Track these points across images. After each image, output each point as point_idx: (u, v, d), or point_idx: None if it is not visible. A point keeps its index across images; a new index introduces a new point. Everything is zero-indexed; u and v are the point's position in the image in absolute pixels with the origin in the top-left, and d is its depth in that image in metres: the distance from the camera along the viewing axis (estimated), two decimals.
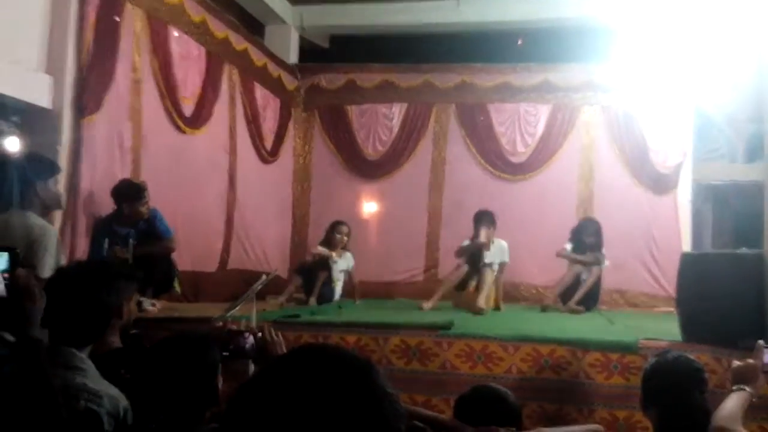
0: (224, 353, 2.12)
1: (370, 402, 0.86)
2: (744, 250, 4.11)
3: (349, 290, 6.45)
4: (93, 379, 1.87)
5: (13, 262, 1.71)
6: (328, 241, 6.35)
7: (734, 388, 2.41)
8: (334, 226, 6.47)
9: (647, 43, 7.17)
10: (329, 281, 6.24)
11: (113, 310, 2.06)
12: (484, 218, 6.11)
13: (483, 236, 5.98)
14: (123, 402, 1.89)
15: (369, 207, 8.23)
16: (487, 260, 6.02)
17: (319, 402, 0.84)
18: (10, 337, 1.81)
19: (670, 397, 2.48)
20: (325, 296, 6.18)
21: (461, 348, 3.96)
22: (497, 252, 6.16)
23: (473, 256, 6.05)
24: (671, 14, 7.12)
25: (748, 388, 2.38)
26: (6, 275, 1.69)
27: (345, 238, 6.34)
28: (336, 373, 0.87)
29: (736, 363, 2.48)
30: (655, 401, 2.53)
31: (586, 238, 6.43)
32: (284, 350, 2.17)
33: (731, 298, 3.78)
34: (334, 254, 6.21)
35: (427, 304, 5.78)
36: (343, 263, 6.31)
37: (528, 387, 3.82)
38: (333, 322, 4.43)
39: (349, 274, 6.40)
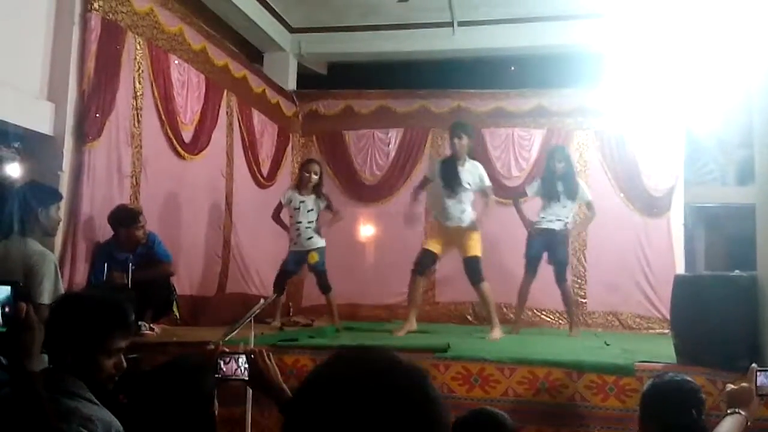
0: (216, 375, 2.14)
1: (428, 403, 0.93)
2: (737, 272, 4.14)
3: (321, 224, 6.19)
4: (86, 403, 1.88)
5: (15, 295, 1.72)
6: (299, 181, 6.22)
7: (729, 411, 2.43)
8: (304, 165, 6.38)
9: (638, 69, 7.28)
10: (297, 224, 6.10)
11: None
12: (458, 128, 5.72)
13: (457, 146, 5.61)
14: (116, 425, 1.90)
15: (366, 230, 8.28)
16: (463, 177, 5.59)
17: (381, 402, 0.89)
18: (3, 360, 1.82)
19: (667, 418, 2.50)
20: (295, 241, 6.11)
21: (458, 371, 3.99)
22: (473, 171, 5.70)
23: (447, 172, 5.64)
24: (662, 40, 7.24)
25: (743, 412, 2.39)
26: (8, 308, 1.70)
27: (315, 176, 6.11)
28: (397, 376, 0.94)
29: (730, 386, 2.51)
30: (653, 423, 2.55)
31: (557, 164, 6.00)
32: (278, 374, 2.18)
33: (725, 321, 3.82)
34: (304, 197, 6.09)
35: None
36: (311, 203, 6.11)
37: (525, 410, 3.83)
38: (331, 346, 4.45)
39: (320, 213, 6.15)
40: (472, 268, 5.65)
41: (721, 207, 8.42)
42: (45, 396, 1.67)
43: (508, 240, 7.23)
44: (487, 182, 5.80)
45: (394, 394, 0.91)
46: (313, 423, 0.92)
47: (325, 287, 6.20)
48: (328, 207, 6.20)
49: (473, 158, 5.88)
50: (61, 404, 1.80)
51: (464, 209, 5.67)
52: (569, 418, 3.83)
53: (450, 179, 5.64)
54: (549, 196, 6.05)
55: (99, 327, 1.92)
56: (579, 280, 7.72)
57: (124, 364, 1.98)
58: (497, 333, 5.53)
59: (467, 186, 5.66)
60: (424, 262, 5.75)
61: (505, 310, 7.64)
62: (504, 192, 7.72)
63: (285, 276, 6.24)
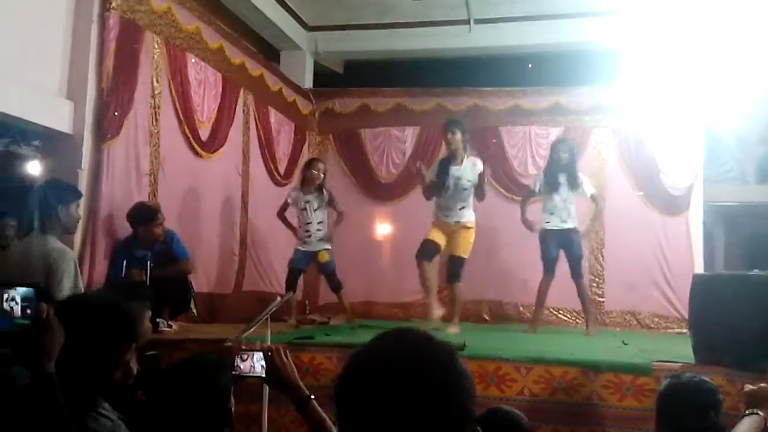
0: (234, 372, 2.15)
1: (456, 374, 1.10)
2: (756, 271, 4.09)
3: (331, 232, 6.27)
4: (99, 418, 1.85)
5: (37, 296, 1.74)
6: (304, 180, 6.30)
7: (747, 412, 2.41)
8: (309, 163, 6.44)
9: (657, 66, 7.22)
10: (307, 225, 6.18)
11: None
12: (451, 124, 5.80)
13: (451, 141, 5.71)
14: None
15: (383, 229, 8.30)
16: (456, 174, 5.66)
17: (417, 373, 1.06)
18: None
19: (685, 418, 2.49)
20: (305, 240, 6.18)
21: (474, 369, 3.96)
22: (472, 169, 5.69)
23: (441, 169, 5.72)
24: (680, 37, 7.18)
25: (761, 412, 2.38)
26: (29, 310, 1.71)
27: (321, 175, 6.21)
28: (430, 350, 1.12)
29: (748, 387, 2.49)
30: (671, 423, 2.54)
31: (562, 155, 6.03)
32: (295, 371, 2.19)
33: (744, 320, 3.77)
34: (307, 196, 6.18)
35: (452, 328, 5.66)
36: (316, 202, 6.18)
37: (541, 409, 3.82)
38: (347, 343, 4.46)
39: (327, 213, 6.26)
40: (455, 267, 5.76)
41: (740, 205, 8.34)
42: (66, 407, 1.67)
43: (518, 239, 7.23)
44: (476, 178, 5.74)
45: (428, 366, 1.08)
46: (362, 391, 1.08)
47: (336, 286, 6.27)
48: (331, 203, 6.25)
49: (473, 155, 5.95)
50: (77, 419, 1.79)
51: (462, 207, 5.74)
52: (586, 417, 3.81)
53: (443, 177, 5.72)
54: (550, 187, 6.06)
55: (107, 344, 1.84)
56: (597, 279, 7.68)
57: (134, 369, 1.94)
58: (456, 328, 5.60)
59: (467, 183, 5.68)
60: (425, 249, 5.77)
61: (522, 309, 7.67)
62: (520, 190, 7.69)
63: (296, 274, 6.30)
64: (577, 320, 7.36)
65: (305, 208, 6.20)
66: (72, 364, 1.77)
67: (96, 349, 1.83)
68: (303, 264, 6.30)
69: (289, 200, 6.29)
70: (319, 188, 6.24)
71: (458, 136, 5.72)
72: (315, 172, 6.23)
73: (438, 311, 5.72)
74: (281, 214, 6.36)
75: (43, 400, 1.64)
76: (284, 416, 3.88)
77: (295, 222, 6.36)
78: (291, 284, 6.20)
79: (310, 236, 6.19)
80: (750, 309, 3.81)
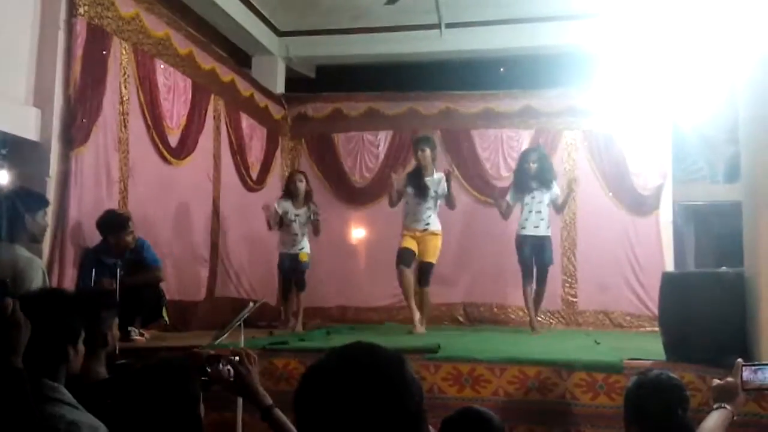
0: (203, 378, 2.13)
1: (403, 382, 1.16)
2: (724, 269, 4.16)
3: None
4: (70, 408, 1.86)
5: (2, 292, 1.73)
6: (290, 193, 6.39)
7: (715, 406, 2.45)
8: (291, 176, 6.59)
9: (626, 68, 7.30)
10: (294, 235, 6.34)
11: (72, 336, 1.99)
12: (421, 141, 6.14)
13: (421, 158, 6.03)
14: (102, 430, 1.89)
15: (357, 233, 8.29)
16: (426, 184, 5.96)
17: (365, 383, 1.14)
18: None
19: (652, 415, 2.51)
20: (288, 247, 6.36)
21: (448, 371, 3.99)
22: (439, 182, 6.02)
23: (416, 181, 6.01)
24: (648, 39, 7.27)
25: (728, 406, 2.41)
26: None
27: (303, 185, 6.38)
28: (377, 360, 1.19)
29: (716, 381, 2.52)
30: (638, 420, 2.56)
31: (531, 164, 6.18)
32: (257, 379, 2.18)
33: (713, 317, 3.83)
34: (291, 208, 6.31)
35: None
36: (304, 216, 6.34)
37: (515, 409, 3.84)
38: (322, 348, 4.44)
39: (314, 225, 6.40)
40: (425, 272, 6.06)
41: (709, 205, 8.46)
42: (34, 403, 1.66)
43: (491, 241, 7.27)
44: (446, 189, 6.04)
45: (376, 373, 1.15)
46: (317, 400, 1.15)
47: (301, 285, 6.43)
48: (317, 221, 6.36)
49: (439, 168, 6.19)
50: (46, 411, 1.78)
51: (431, 215, 6.03)
52: (559, 416, 3.83)
53: (420, 188, 6.01)
54: (521, 194, 6.23)
55: (85, 312, 1.94)
56: (570, 280, 7.74)
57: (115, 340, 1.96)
58: (421, 329, 5.88)
59: (434, 194, 6.01)
60: (403, 256, 6.02)
61: (496, 310, 7.71)
62: (492, 192, 7.74)
63: (287, 276, 6.48)
64: (551, 320, 7.43)
65: (294, 221, 6.34)
66: (36, 351, 1.77)
67: (72, 323, 1.91)
68: (289, 264, 6.44)
69: (280, 211, 6.32)
70: (307, 202, 6.39)
71: (427, 153, 6.05)
72: (298, 183, 6.39)
73: (417, 313, 5.95)
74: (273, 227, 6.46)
75: (12, 396, 1.63)
76: (259, 422, 3.84)
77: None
78: (286, 288, 6.47)
79: (294, 244, 6.39)
80: (718, 305, 3.87)
